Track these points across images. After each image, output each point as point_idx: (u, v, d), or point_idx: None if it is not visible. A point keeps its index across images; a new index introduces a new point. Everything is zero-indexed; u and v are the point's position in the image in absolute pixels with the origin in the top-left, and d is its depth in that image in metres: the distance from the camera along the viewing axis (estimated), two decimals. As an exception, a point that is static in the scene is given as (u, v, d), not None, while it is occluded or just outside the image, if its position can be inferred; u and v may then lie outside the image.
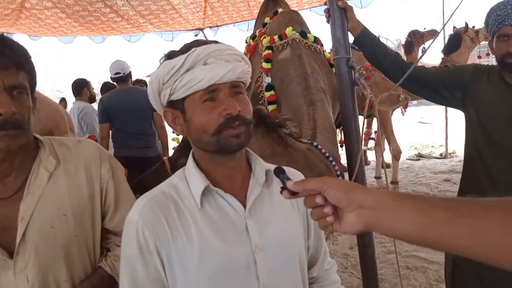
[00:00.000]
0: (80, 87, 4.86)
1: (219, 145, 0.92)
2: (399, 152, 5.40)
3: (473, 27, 5.49)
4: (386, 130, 5.43)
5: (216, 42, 0.97)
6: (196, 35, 6.31)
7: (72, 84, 4.91)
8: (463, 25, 5.47)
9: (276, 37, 2.58)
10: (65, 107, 4.45)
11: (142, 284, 0.92)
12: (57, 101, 4.20)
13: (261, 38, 2.77)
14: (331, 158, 1.96)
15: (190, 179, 0.98)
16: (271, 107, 2.46)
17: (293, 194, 0.74)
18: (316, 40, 2.56)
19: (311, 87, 2.29)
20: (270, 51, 2.58)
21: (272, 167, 0.94)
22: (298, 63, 2.39)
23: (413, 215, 0.61)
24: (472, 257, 0.58)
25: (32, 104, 1.10)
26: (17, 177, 1.10)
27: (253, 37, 3.04)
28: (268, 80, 2.53)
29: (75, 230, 1.13)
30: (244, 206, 0.96)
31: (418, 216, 0.61)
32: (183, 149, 1.69)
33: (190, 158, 1.01)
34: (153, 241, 0.90)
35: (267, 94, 2.48)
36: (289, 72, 2.39)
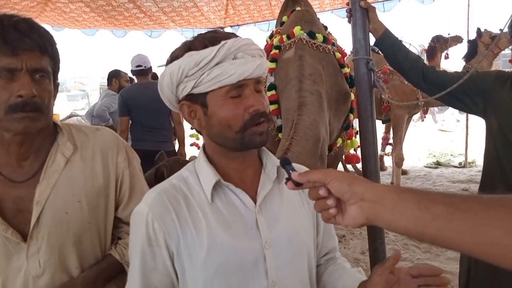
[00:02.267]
0: (110, 78, 5.25)
1: (243, 142, 0.91)
2: (402, 159, 5.36)
3: (501, 30, 5.27)
4: (396, 135, 5.39)
5: (235, 35, 0.95)
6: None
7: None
8: (485, 30, 5.31)
9: (284, 37, 2.56)
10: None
11: (150, 277, 0.92)
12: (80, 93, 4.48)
13: (273, 38, 2.76)
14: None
15: (200, 172, 0.97)
16: (272, 107, 2.46)
17: (297, 185, 0.74)
18: (326, 40, 2.51)
19: (304, 90, 2.25)
20: (277, 51, 2.56)
21: None
22: (297, 63, 2.36)
23: (414, 209, 0.61)
24: (471, 253, 0.58)
25: (54, 90, 1.11)
26: (35, 161, 1.11)
27: (270, 36, 3.04)
28: (271, 79, 2.52)
29: (88, 217, 1.14)
30: (255, 202, 0.95)
31: (419, 210, 0.61)
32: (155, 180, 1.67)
33: (201, 152, 1.01)
34: (162, 235, 0.90)
35: (269, 93, 2.48)
36: (288, 73, 2.36)
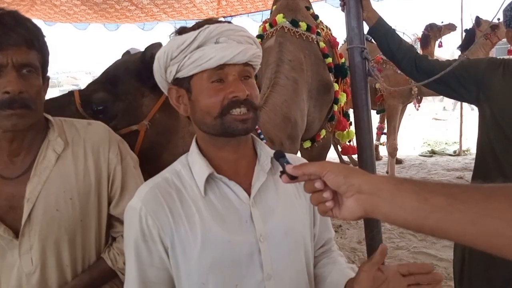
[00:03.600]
0: None
1: (223, 127, 0.90)
2: (395, 149, 5.37)
3: (498, 19, 5.26)
4: (390, 125, 5.40)
5: (229, 22, 0.94)
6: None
7: None
8: (484, 19, 5.29)
9: (267, 25, 2.51)
10: None
11: (147, 272, 0.91)
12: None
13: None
14: (262, 136, 1.89)
15: (193, 166, 0.96)
16: None
17: (292, 178, 0.72)
18: (310, 28, 2.47)
19: (280, 72, 2.22)
20: (260, 40, 2.51)
21: None
22: (277, 50, 2.31)
23: (413, 201, 0.60)
24: (471, 244, 0.57)
25: (44, 84, 1.09)
26: (26, 157, 1.09)
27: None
28: None
29: (80, 215, 1.12)
30: (249, 194, 0.94)
31: (418, 202, 0.60)
32: (103, 83, 1.49)
33: (193, 144, 0.99)
34: (156, 230, 0.89)
35: None
36: (268, 60, 2.33)
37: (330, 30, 2.84)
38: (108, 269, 1.17)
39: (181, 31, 0.93)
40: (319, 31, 2.52)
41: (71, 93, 1.49)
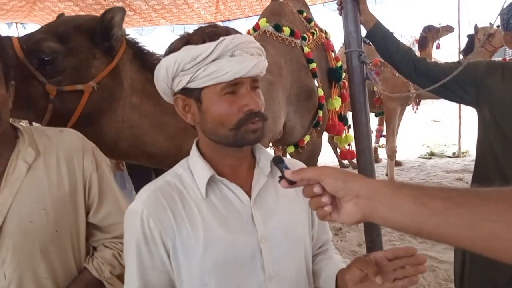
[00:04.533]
0: None
1: (236, 139, 0.90)
2: (394, 152, 5.38)
3: (498, 26, 5.29)
4: (388, 128, 5.41)
5: (236, 31, 0.94)
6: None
7: None
8: (481, 26, 5.31)
9: (251, 29, 2.50)
10: None
11: (148, 275, 0.91)
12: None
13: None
14: None
15: (194, 168, 0.96)
16: None
17: (291, 183, 0.73)
18: (293, 33, 2.44)
19: None
20: None
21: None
22: None
23: (411, 205, 0.60)
24: (469, 248, 0.57)
25: (7, 92, 1.04)
26: None
27: None
28: None
29: (55, 225, 1.08)
30: (249, 196, 0.95)
31: (416, 206, 0.60)
32: (52, 35, 1.39)
33: (194, 148, 1.00)
34: (158, 232, 0.89)
35: None
36: None
37: (325, 33, 2.81)
38: (94, 280, 1.14)
39: (189, 39, 0.91)
40: (305, 35, 2.49)
41: (8, 37, 1.37)
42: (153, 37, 6.67)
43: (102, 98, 1.44)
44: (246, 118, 0.89)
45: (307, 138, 2.50)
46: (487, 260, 0.56)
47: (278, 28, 2.39)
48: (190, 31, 0.95)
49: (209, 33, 0.89)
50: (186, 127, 1.55)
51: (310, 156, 2.64)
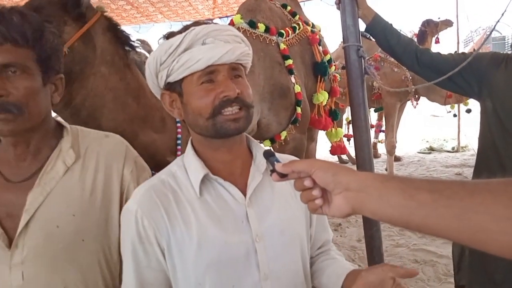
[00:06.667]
0: None
1: (215, 128, 0.89)
2: (393, 147, 5.39)
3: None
4: (388, 123, 5.41)
5: (216, 23, 0.94)
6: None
7: None
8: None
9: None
10: None
11: (144, 274, 0.91)
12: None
13: None
14: None
15: (188, 167, 0.96)
16: None
17: (282, 176, 0.73)
18: (268, 30, 2.41)
19: None
20: None
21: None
22: None
23: (399, 197, 0.60)
24: (457, 240, 0.57)
25: (49, 85, 1.01)
26: (32, 163, 1.02)
27: None
28: None
29: (82, 234, 1.02)
30: (244, 194, 0.94)
31: (403, 198, 0.59)
32: (29, 9, 1.39)
33: (189, 146, 0.99)
34: (152, 231, 0.89)
35: None
36: None
37: (312, 26, 2.76)
38: None
39: (169, 35, 0.93)
40: (282, 31, 2.45)
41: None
42: (150, 35, 6.64)
43: (73, 61, 1.46)
44: (220, 104, 0.88)
45: (283, 134, 2.48)
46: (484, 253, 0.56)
47: (252, 24, 2.37)
48: None
49: (185, 27, 0.92)
50: (146, 117, 1.62)
51: (293, 154, 2.62)
